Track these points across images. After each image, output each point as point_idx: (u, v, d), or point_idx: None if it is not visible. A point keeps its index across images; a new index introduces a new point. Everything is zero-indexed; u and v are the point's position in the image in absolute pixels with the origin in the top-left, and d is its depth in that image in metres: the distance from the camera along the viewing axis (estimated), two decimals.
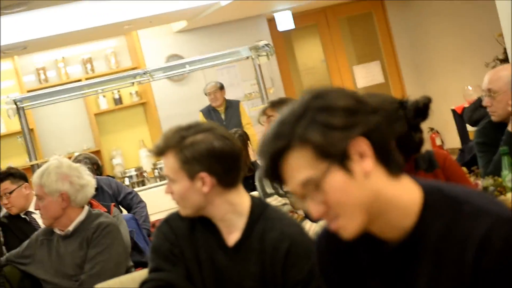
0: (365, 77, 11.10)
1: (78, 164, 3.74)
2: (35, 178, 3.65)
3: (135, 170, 8.82)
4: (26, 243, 3.78)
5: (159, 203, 7.76)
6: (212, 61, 8.65)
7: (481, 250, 1.46)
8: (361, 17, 11.51)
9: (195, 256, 2.38)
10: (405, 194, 1.55)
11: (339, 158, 1.48)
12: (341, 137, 1.48)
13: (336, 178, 1.49)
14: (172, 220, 2.48)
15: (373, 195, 1.51)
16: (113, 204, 4.65)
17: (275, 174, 1.54)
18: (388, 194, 1.53)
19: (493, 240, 1.45)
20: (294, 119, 1.50)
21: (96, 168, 6.01)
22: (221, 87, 8.64)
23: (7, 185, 5.21)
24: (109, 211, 4.34)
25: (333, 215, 1.52)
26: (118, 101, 9.95)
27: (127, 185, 8.02)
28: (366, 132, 1.50)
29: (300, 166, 1.49)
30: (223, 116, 8.52)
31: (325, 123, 1.48)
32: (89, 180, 3.67)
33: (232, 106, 8.58)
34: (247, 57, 8.55)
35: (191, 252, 2.39)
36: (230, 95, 8.94)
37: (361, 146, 1.50)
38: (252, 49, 8.43)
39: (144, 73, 8.07)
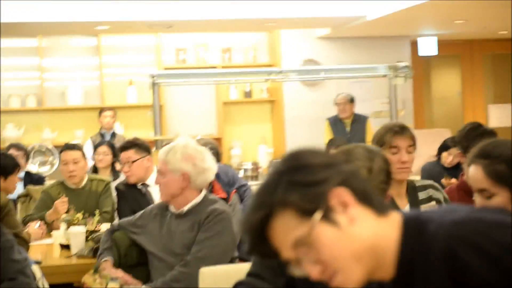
0: (499, 117, 10.80)
1: (203, 148, 3.81)
2: (161, 153, 3.74)
3: (251, 164, 8.91)
4: (140, 213, 3.88)
5: None
6: (348, 72, 8.65)
7: (448, 265, 1.43)
8: (505, 57, 11.20)
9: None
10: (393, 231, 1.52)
11: (322, 212, 1.47)
12: (319, 191, 1.47)
13: (324, 233, 1.47)
14: None
15: (366, 240, 1.49)
16: (235, 190, 4.71)
17: (264, 248, 1.51)
18: (383, 234, 1.50)
19: (455, 248, 1.42)
20: (271, 186, 1.50)
21: (216, 154, 6.10)
22: (352, 100, 8.61)
23: (131, 154, 5.37)
24: (228, 197, 4.39)
25: (331, 272, 1.49)
26: (248, 94, 10.08)
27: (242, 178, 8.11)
28: (343, 181, 1.49)
29: (286, 230, 1.48)
30: (348, 129, 8.48)
31: (301, 182, 1.47)
32: (211, 165, 3.73)
33: (360, 121, 8.53)
34: (384, 75, 8.48)
35: None
36: (358, 109, 8.89)
37: (341, 196, 1.48)
38: (391, 68, 8.37)
39: (279, 72, 8.14)
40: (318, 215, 1.46)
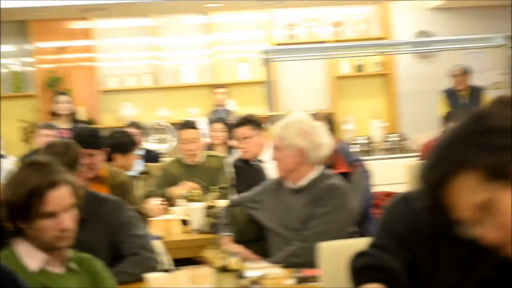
0: None
1: (318, 123, 3.79)
2: (276, 129, 3.75)
3: (365, 139, 8.82)
4: (258, 188, 3.91)
5: (383, 175, 7.77)
6: (462, 43, 8.42)
7: None
8: None
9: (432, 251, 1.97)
10: None
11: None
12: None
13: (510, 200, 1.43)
14: (412, 200, 2.06)
15: None
16: (359, 164, 4.69)
17: (438, 202, 1.49)
18: None
19: None
20: (458, 144, 1.47)
21: (331, 130, 6.07)
22: (468, 72, 8.40)
23: (246, 130, 5.42)
24: (351, 172, 4.37)
25: (508, 239, 1.46)
26: (360, 68, 9.97)
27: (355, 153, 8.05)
28: None
29: (468, 191, 1.45)
30: (464, 101, 8.27)
31: (493, 145, 1.44)
32: (327, 140, 3.71)
33: (476, 93, 8.31)
34: (500, 46, 8.21)
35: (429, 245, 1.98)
36: (474, 81, 8.66)
37: None
38: (507, 38, 8.09)
39: (392, 45, 8.01)
40: (507, 181, 1.44)
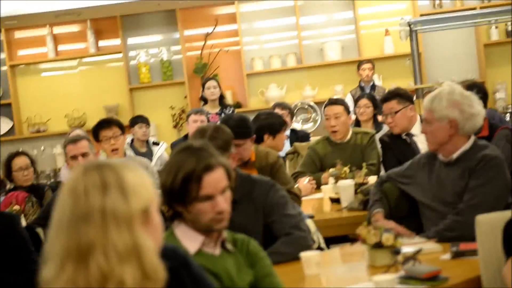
0: None
1: (470, 93, 3.67)
2: (426, 102, 3.67)
3: None
4: (408, 163, 3.84)
5: None
6: None
7: None
8: None
9: None
10: None
11: None
12: None
13: None
14: None
15: None
16: (505, 126, 4.54)
17: None
18: None
19: None
20: None
21: (483, 98, 5.87)
22: None
23: (393, 104, 5.34)
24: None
25: None
26: (511, 33, 9.58)
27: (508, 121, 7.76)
28: None
29: None
30: None
31: None
32: (480, 110, 3.59)
33: None
34: None
35: None
36: None
37: None
38: None
39: None
40: None
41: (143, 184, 1.74)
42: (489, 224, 2.85)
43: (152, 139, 7.92)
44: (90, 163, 1.75)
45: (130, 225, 1.67)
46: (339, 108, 5.77)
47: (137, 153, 7.54)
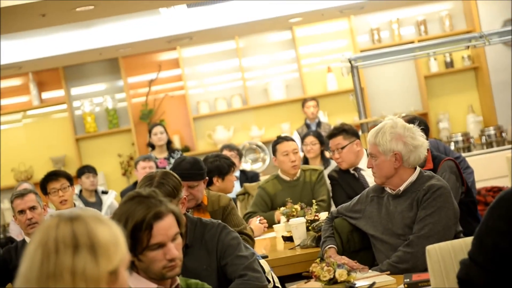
0: None
1: (411, 125, 3.74)
2: (369, 137, 3.72)
3: (462, 135, 8.65)
4: (357, 198, 3.88)
5: (484, 170, 7.61)
6: None
7: None
8: None
9: None
10: None
11: None
12: None
13: None
14: None
15: None
16: (446, 158, 4.61)
17: None
18: None
19: None
20: None
21: (424, 130, 5.98)
22: None
23: (340, 140, 5.40)
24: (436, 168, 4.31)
25: None
26: (449, 64, 9.81)
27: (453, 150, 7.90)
28: None
29: None
30: None
31: None
32: (423, 142, 3.66)
33: None
34: None
35: None
36: None
37: None
38: None
39: (480, 37, 7.83)
40: None
41: (116, 242, 1.72)
42: (439, 253, 2.89)
43: (100, 188, 7.85)
44: (64, 214, 1.73)
45: (97, 286, 1.66)
46: (295, 144, 5.85)
47: (86, 203, 7.46)
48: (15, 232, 6.93)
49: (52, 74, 9.77)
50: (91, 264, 1.65)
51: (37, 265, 1.65)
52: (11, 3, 6.05)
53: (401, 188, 3.62)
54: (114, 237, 1.72)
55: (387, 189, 3.69)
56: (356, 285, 3.01)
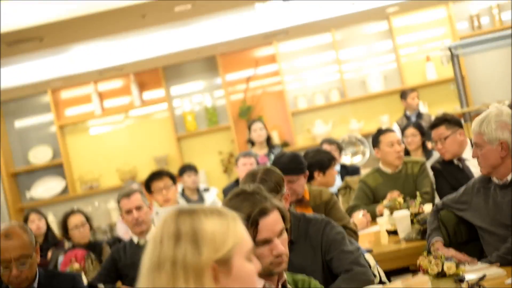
0: None
1: None
2: (474, 126, 3.64)
3: None
4: (462, 189, 3.80)
5: None
6: None
7: None
8: None
9: None
10: None
11: None
12: None
13: None
14: None
15: None
16: None
17: None
18: None
19: None
20: None
21: None
22: None
23: (442, 130, 5.29)
24: None
25: None
26: None
27: None
28: None
29: None
30: None
31: None
32: None
33: None
34: None
35: None
36: None
37: None
38: None
39: None
40: None
41: (222, 232, 1.72)
42: None
43: (202, 186, 7.96)
44: (173, 209, 1.77)
45: (199, 277, 1.67)
46: (396, 135, 5.84)
47: (189, 201, 7.58)
48: (122, 231, 7.13)
49: (152, 74, 9.96)
50: (191, 253, 1.67)
51: (147, 257, 1.72)
52: (113, 6, 6.20)
53: (509, 178, 3.52)
54: (222, 226, 1.73)
55: (494, 179, 3.59)
56: (466, 278, 2.94)
